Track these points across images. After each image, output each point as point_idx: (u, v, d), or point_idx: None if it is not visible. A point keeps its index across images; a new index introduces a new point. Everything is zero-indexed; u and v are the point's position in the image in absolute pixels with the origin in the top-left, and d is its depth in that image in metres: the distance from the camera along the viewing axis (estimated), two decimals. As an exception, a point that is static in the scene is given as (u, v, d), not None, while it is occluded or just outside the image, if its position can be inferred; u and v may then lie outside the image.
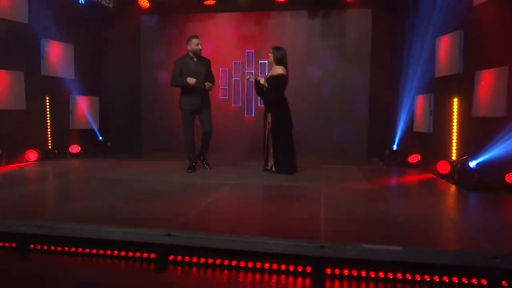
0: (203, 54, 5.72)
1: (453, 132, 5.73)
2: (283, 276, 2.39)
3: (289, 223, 3.14)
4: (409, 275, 2.31)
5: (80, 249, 2.76)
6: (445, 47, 6.03)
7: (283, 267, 2.45)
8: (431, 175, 5.52)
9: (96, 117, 7.78)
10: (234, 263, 2.50)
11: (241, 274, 2.43)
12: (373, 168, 6.37)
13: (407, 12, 6.82)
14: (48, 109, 6.90)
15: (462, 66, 5.59)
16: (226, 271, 2.47)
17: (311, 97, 7.88)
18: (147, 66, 8.48)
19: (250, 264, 2.48)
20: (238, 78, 8.19)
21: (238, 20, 8.01)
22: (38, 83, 6.68)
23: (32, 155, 6.36)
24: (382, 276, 2.33)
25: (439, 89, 6.19)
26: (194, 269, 2.52)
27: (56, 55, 7.02)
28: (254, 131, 7.99)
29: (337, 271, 2.36)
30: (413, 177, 5.59)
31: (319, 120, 7.88)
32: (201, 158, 5.81)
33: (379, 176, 5.69)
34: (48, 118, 6.91)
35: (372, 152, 7.52)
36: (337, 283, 2.30)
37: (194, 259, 2.57)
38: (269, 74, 5.63)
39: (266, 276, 2.40)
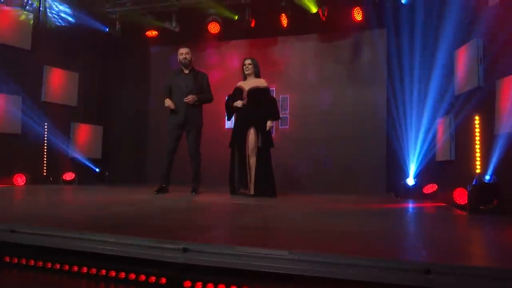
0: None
1: (476, 156, 4.78)
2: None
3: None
4: None
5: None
6: (463, 60, 5.22)
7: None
8: (442, 204, 4.55)
9: (98, 146, 7.61)
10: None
11: None
12: (381, 200, 5.44)
13: (423, 29, 6.14)
14: (46, 135, 6.81)
15: (482, 77, 4.74)
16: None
17: (322, 125, 7.20)
18: (154, 95, 8.33)
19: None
20: (245, 107, 7.73)
21: (245, 47, 7.72)
22: (38, 109, 6.66)
23: (20, 179, 6.19)
24: None
25: (460, 109, 5.31)
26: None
27: (59, 82, 7.05)
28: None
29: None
30: (413, 204, 4.65)
31: (332, 150, 7.12)
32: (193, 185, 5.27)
33: (372, 202, 4.82)
34: (45, 144, 6.81)
35: (392, 183, 6.57)
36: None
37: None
38: (255, 85, 5.10)
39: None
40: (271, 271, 1.61)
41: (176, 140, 5.16)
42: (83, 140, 7.40)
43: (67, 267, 1.90)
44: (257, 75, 5.08)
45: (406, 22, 6.41)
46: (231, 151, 5.14)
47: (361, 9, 6.59)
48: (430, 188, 5.26)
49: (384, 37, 6.93)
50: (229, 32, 7.36)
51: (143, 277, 1.74)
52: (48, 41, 6.80)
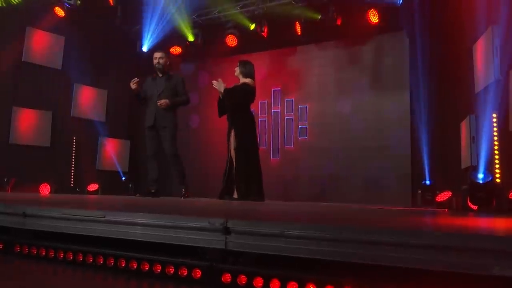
0: None
1: (495, 158, 4.21)
2: None
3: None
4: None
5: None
6: (480, 54, 4.71)
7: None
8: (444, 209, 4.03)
9: (125, 160, 7.91)
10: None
11: None
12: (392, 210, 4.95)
13: (440, 28, 5.68)
14: (74, 148, 7.23)
15: (498, 70, 4.21)
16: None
17: (342, 134, 6.85)
18: (179, 111, 8.51)
19: None
20: (265, 118, 7.63)
21: (263, 59, 7.67)
22: (67, 124, 7.12)
23: (45, 188, 6.59)
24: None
25: (480, 108, 4.74)
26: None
27: (88, 99, 7.51)
28: (279, 175, 7.18)
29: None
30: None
31: (353, 160, 6.71)
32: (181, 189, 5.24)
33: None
34: (74, 156, 7.22)
35: (416, 192, 5.99)
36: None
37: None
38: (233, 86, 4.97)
39: None
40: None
41: (151, 143, 5.20)
42: (111, 153, 7.74)
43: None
44: (245, 75, 4.93)
45: (425, 21, 5.99)
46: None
47: (377, 11, 6.27)
48: (444, 196, 4.69)
49: (406, 39, 6.50)
50: (246, 45, 7.39)
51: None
52: (78, 61, 7.30)
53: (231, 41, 7.34)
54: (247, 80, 4.82)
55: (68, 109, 7.25)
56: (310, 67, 7.30)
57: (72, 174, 7.19)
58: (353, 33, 6.77)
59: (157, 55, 5.29)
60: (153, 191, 5.14)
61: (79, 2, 6.95)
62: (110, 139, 7.76)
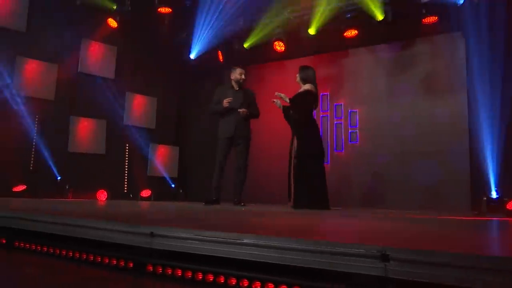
0: None
1: None
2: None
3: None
4: None
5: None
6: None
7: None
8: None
9: (175, 166, 8.05)
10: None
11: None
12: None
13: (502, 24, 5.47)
14: (127, 156, 7.43)
15: None
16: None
17: (394, 139, 6.70)
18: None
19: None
20: (313, 123, 7.57)
21: (311, 63, 7.60)
22: (120, 131, 7.32)
23: (102, 195, 6.79)
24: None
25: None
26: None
27: (139, 107, 7.69)
28: (329, 180, 7.10)
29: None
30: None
31: (406, 166, 6.56)
32: (235, 199, 5.29)
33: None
34: (126, 163, 7.41)
35: (477, 198, 5.78)
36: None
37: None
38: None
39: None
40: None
41: (225, 153, 5.31)
42: (161, 160, 7.89)
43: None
44: (304, 81, 4.94)
45: (484, 20, 5.79)
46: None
47: (433, 11, 6.11)
48: (515, 204, 4.52)
49: (462, 40, 6.30)
50: (293, 50, 7.38)
51: (114, 261, 1.76)
52: (129, 70, 7.50)
53: (279, 46, 7.34)
54: (308, 87, 4.82)
55: (121, 117, 7.45)
56: (360, 70, 7.19)
57: (126, 180, 7.37)
58: (406, 35, 6.64)
59: (242, 71, 5.54)
60: (214, 198, 5.23)
61: (129, 8, 7.08)
62: (160, 145, 7.92)
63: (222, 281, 1.52)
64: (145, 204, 5.46)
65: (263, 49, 7.58)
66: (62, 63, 6.76)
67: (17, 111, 6.17)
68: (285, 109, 5.03)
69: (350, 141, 7.10)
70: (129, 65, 7.49)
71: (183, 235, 1.60)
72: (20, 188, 5.96)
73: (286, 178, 4.92)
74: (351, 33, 6.82)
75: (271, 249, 1.43)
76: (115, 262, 1.76)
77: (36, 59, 6.48)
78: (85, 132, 6.96)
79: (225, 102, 5.22)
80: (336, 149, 7.22)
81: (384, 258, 1.21)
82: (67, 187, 6.33)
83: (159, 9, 7.22)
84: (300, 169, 4.60)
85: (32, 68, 6.47)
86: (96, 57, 7.20)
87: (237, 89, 5.47)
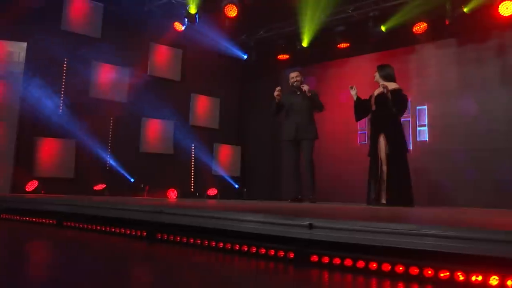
0: None
1: None
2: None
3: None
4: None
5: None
6: None
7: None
8: None
9: (238, 165, 8.18)
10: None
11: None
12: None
13: None
14: (193, 155, 7.62)
15: None
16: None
17: (467, 136, 6.49)
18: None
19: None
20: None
21: (376, 60, 7.50)
22: (186, 132, 7.53)
23: (172, 193, 7.00)
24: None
25: None
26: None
27: (204, 108, 7.89)
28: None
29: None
30: None
31: (480, 163, 6.33)
32: (310, 196, 5.31)
33: None
34: (193, 163, 7.60)
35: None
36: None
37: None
38: (381, 91, 4.88)
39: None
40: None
41: (293, 156, 5.38)
42: (224, 159, 8.05)
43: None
44: (385, 79, 4.89)
45: None
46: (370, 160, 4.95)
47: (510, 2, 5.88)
48: None
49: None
50: (357, 47, 7.32)
51: (272, 252, 1.84)
52: (194, 72, 7.70)
53: (343, 43, 7.30)
54: (396, 85, 4.80)
55: (187, 117, 7.66)
56: (428, 66, 7.02)
57: (192, 179, 7.57)
58: (478, 29, 6.43)
59: (294, 74, 5.51)
60: (299, 196, 5.30)
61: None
62: (223, 145, 8.07)
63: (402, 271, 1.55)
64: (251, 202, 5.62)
65: (325, 49, 7.56)
66: (133, 67, 7.03)
67: (95, 112, 6.46)
68: (360, 102, 5.02)
69: (419, 138, 6.95)
70: (194, 67, 7.68)
71: (348, 227, 1.64)
72: (100, 186, 6.26)
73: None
74: (420, 27, 6.66)
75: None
76: (273, 253, 1.83)
77: (109, 63, 6.78)
78: (155, 133, 7.21)
79: (275, 92, 5.25)
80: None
81: None
82: (142, 186, 6.58)
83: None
84: (402, 166, 4.63)
85: (106, 72, 6.78)
86: (163, 60, 7.45)
87: (298, 93, 5.48)
